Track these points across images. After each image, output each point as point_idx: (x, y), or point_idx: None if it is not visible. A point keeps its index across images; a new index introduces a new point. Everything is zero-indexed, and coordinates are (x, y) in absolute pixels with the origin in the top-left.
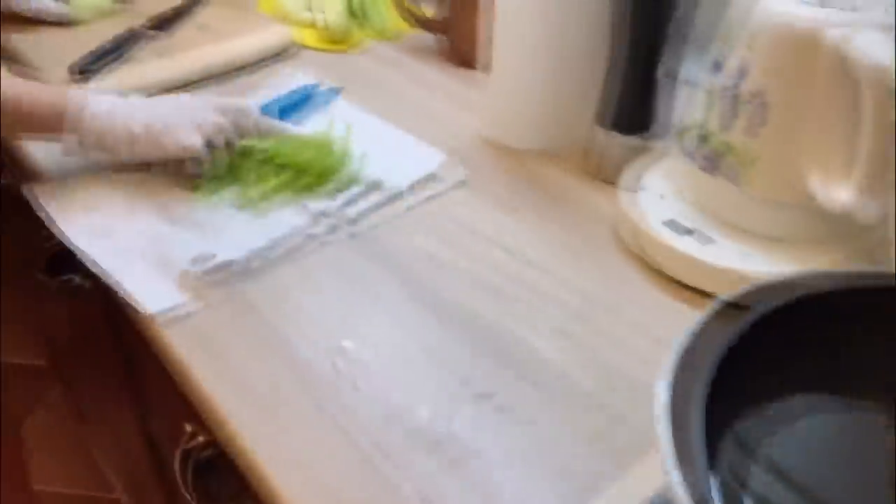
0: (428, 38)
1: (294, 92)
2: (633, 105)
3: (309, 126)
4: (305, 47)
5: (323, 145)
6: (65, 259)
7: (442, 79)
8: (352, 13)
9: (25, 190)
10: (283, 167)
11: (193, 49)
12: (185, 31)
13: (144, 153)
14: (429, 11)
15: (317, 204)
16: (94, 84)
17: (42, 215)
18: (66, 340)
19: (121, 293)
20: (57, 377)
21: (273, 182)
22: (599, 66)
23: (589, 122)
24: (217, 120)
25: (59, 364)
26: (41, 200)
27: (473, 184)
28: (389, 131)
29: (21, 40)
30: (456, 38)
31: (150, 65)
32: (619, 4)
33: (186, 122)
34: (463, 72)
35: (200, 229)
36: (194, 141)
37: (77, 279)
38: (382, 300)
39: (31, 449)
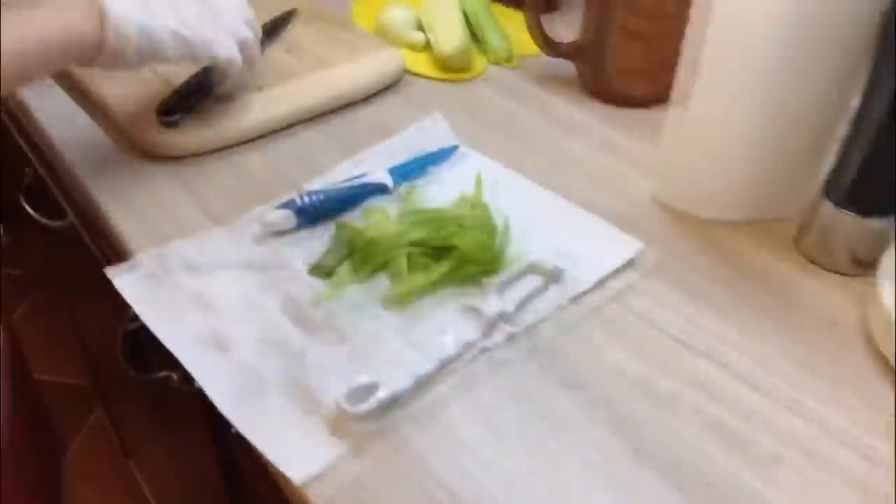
0: (555, 63)
1: (432, 155)
2: (882, 179)
3: (442, 186)
4: (414, 74)
5: (475, 218)
6: (147, 337)
7: (587, 118)
8: (472, 34)
9: (111, 273)
10: (430, 249)
11: (294, 79)
12: (273, 54)
13: (192, 50)
14: (557, 33)
15: (483, 303)
16: (180, 131)
17: (133, 309)
18: (108, 360)
19: (257, 449)
20: (98, 399)
21: (424, 273)
22: (835, 122)
23: (811, 193)
24: (246, 32)
25: (100, 385)
26: (131, 291)
27: (658, 266)
28: (546, 196)
29: (94, 77)
30: (601, 67)
31: (248, 102)
32: (885, 49)
33: (221, 25)
34: (612, 110)
35: (342, 339)
36: (233, 53)
37: (175, 379)
38: (590, 454)
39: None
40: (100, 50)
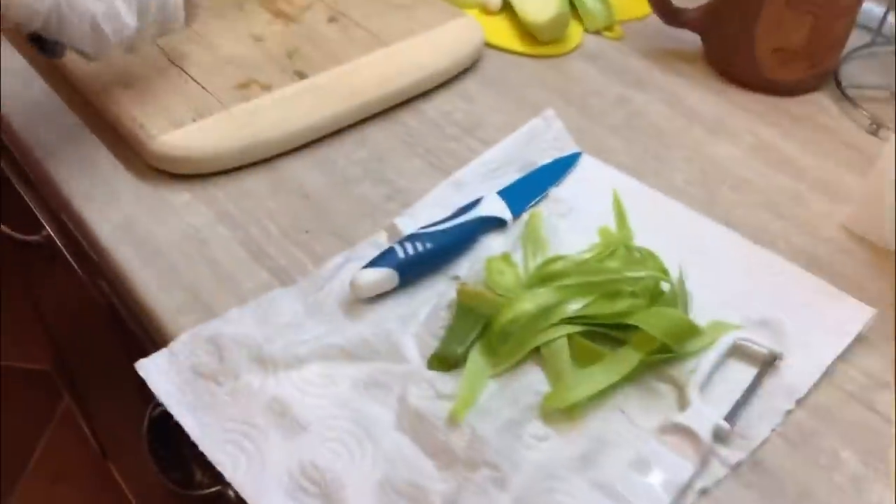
0: (668, 33)
1: (550, 170)
2: None
3: (571, 215)
4: (491, 47)
5: (651, 279)
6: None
7: (732, 111)
8: (570, 2)
9: (144, 372)
10: (594, 325)
11: (345, 63)
12: (314, 24)
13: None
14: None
15: (691, 417)
16: (184, 134)
17: (185, 429)
18: (72, 344)
19: None
20: (65, 386)
21: (595, 370)
22: None
23: None
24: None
25: (66, 372)
26: (175, 398)
27: (889, 336)
28: (712, 230)
29: (85, 67)
30: (746, 45)
31: (286, 94)
32: None
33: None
34: (759, 99)
35: (501, 482)
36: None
37: (232, 497)
38: None
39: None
40: None
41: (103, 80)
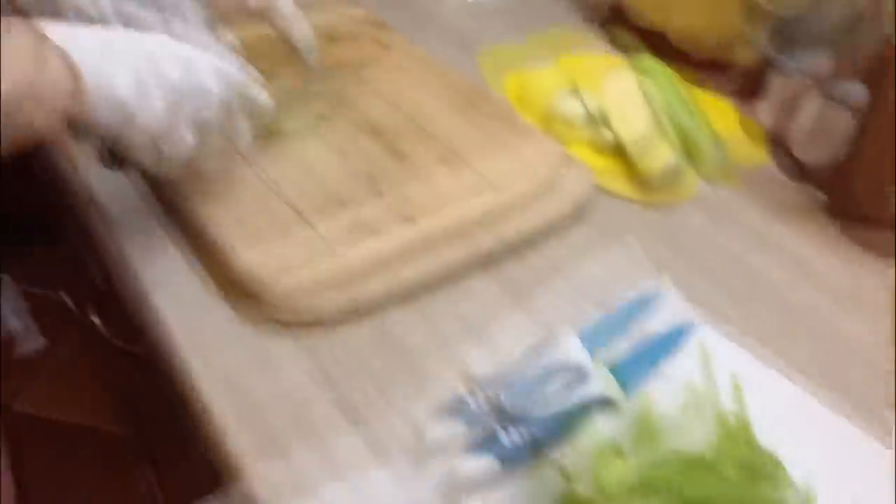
0: (780, 182)
1: (664, 343)
2: None
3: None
4: (601, 190)
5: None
6: None
7: (858, 276)
8: (684, 148)
9: None
10: None
11: (454, 205)
12: (425, 164)
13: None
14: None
15: None
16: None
17: None
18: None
19: None
20: (143, 454)
21: None
22: None
23: None
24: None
25: (145, 439)
26: None
27: None
28: (824, 418)
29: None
30: (879, 213)
31: (399, 241)
32: None
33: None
34: (891, 264)
35: None
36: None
37: None
38: None
39: None
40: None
41: (215, 222)
